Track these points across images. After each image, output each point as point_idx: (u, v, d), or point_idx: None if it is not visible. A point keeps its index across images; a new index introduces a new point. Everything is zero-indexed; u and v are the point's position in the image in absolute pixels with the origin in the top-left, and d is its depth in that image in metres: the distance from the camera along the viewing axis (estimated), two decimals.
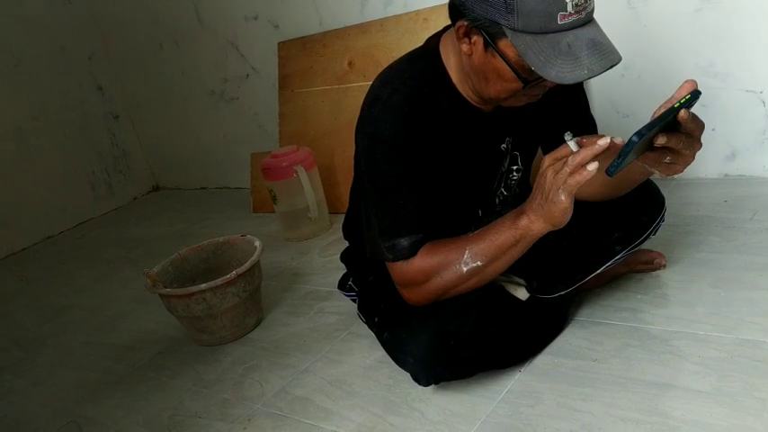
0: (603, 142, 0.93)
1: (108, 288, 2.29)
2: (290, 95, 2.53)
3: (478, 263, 1.11)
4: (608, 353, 1.25)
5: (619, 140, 0.93)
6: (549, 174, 0.99)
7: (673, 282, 1.42)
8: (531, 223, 1.05)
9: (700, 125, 0.96)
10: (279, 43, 2.55)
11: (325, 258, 2.06)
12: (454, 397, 1.24)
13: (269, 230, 2.40)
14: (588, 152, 0.94)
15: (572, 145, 0.97)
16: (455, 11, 1.04)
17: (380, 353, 1.36)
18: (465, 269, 1.12)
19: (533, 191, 1.04)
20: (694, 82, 0.93)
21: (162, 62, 3.05)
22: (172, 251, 1.84)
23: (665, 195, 1.35)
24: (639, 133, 0.87)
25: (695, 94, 0.92)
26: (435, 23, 2.06)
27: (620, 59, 0.96)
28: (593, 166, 0.94)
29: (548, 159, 1.00)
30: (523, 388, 1.22)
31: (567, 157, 0.97)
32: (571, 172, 0.96)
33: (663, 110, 0.92)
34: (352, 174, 1.34)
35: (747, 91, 1.74)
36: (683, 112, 0.91)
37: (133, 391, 1.58)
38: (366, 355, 1.46)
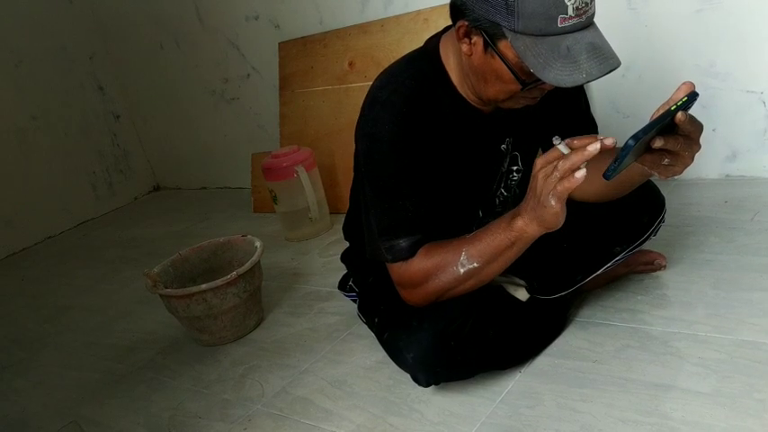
0: (593, 148, 0.92)
1: (109, 288, 2.29)
2: (291, 95, 2.53)
3: (475, 264, 1.11)
4: (608, 354, 1.25)
5: (609, 141, 0.92)
6: (540, 177, 0.98)
7: (673, 283, 1.42)
8: (526, 225, 1.04)
9: (698, 127, 0.96)
10: (279, 43, 2.55)
11: (326, 259, 2.06)
12: (454, 398, 1.24)
13: (269, 230, 2.40)
14: (578, 157, 0.93)
15: (562, 148, 0.96)
16: (456, 11, 1.04)
17: (381, 353, 1.36)
18: (462, 271, 1.12)
19: (527, 193, 1.04)
20: (692, 84, 0.93)
21: (163, 62, 3.06)
22: (172, 251, 1.84)
23: (665, 196, 1.35)
24: (635, 137, 0.87)
25: (692, 96, 0.91)
26: (436, 23, 2.06)
27: (619, 64, 0.96)
28: (580, 174, 0.93)
29: (539, 162, 0.99)
30: (523, 389, 1.22)
31: (558, 160, 0.96)
32: (561, 177, 0.95)
33: (660, 112, 0.92)
34: (353, 174, 1.34)
35: (748, 91, 1.74)
36: (680, 115, 0.91)
37: (133, 391, 1.58)
38: (366, 355, 1.46)
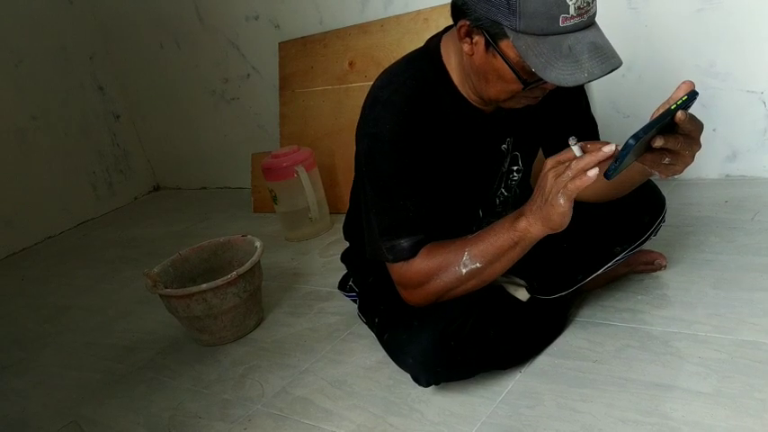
0: (608, 149, 0.93)
1: (108, 288, 2.29)
2: (291, 95, 2.53)
3: (477, 264, 1.11)
4: (608, 354, 1.25)
5: None
6: (551, 177, 0.99)
7: (673, 282, 1.42)
8: (530, 226, 1.05)
9: (698, 126, 0.96)
10: (279, 43, 2.55)
11: (326, 258, 2.06)
12: (454, 398, 1.24)
13: (269, 230, 2.40)
14: (592, 158, 0.94)
15: (576, 150, 0.97)
16: (457, 10, 1.04)
17: (381, 353, 1.36)
18: (464, 271, 1.12)
19: (534, 193, 1.04)
20: (691, 83, 0.93)
21: (163, 62, 3.06)
22: (172, 251, 1.84)
23: (665, 196, 1.35)
24: (636, 136, 0.87)
25: (692, 95, 0.91)
26: (436, 23, 2.06)
27: (620, 64, 0.97)
28: (593, 172, 0.93)
29: (550, 162, 1.00)
30: (524, 389, 1.22)
31: (570, 160, 0.97)
32: (572, 176, 0.95)
33: (660, 111, 0.92)
34: (353, 174, 1.34)
35: (748, 91, 1.74)
36: (680, 114, 0.91)
37: (133, 391, 1.58)
38: (366, 355, 1.46)
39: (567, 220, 1.00)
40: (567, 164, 0.97)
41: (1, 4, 2.87)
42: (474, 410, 1.20)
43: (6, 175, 2.91)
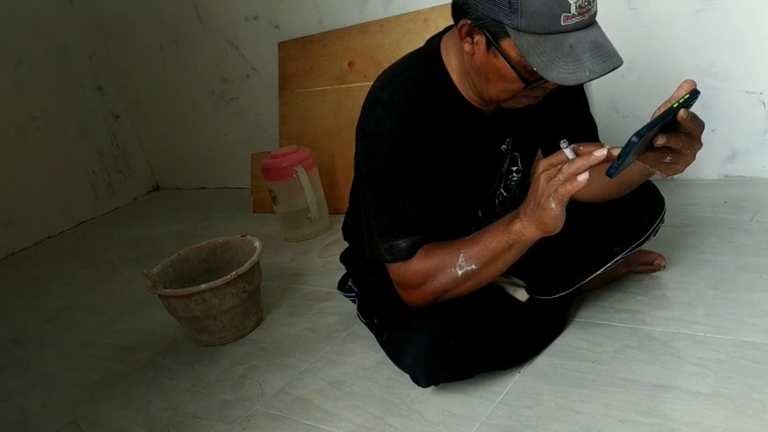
0: (600, 153, 0.92)
1: (108, 288, 2.29)
2: (291, 95, 2.53)
3: (473, 266, 1.11)
4: (607, 354, 1.25)
5: (616, 151, 0.92)
6: (543, 180, 0.99)
7: (672, 283, 1.42)
8: (524, 228, 1.04)
9: (699, 124, 0.96)
10: (279, 43, 2.55)
11: (325, 259, 2.06)
12: (453, 398, 1.24)
13: (269, 231, 2.40)
14: (584, 162, 0.93)
15: (568, 152, 0.96)
16: (458, 10, 1.04)
17: (380, 354, 1.36)
18: (460, 272, 1.12)
19: (527, 195, 1.04)
20: (693, 82, 0.93)
21: (162, 62, 3.06)
22: (172, 251, 1.84)
23: (664, 196, 1.35)
24: (639, 134, 0.87)
25: (694, 94, 0.92)
26: (435, 24, 2.06)
27: (621, 63, 0.97)
28: (583, 177, 0.93)
29: (542, 164, 1.00)
30: (523, 389, 1.22)
31: (562, 163, 0.96)
32: (564, 180, 0.95)
33: (662, 110, 0.92)
34: (353, 174, 1.34)
35: (747, 92, 1.74)
36: (682, 112, 0.91)
37: (132, 391, 1.58)
38: (366, 355, 1.46)
39: (560, 223, 1.00)
40: (558, 167, 0.97)
41: (1, 4, 2.87)
42: (473, 411, 1.20)
43: (6, 175, 2.91)
